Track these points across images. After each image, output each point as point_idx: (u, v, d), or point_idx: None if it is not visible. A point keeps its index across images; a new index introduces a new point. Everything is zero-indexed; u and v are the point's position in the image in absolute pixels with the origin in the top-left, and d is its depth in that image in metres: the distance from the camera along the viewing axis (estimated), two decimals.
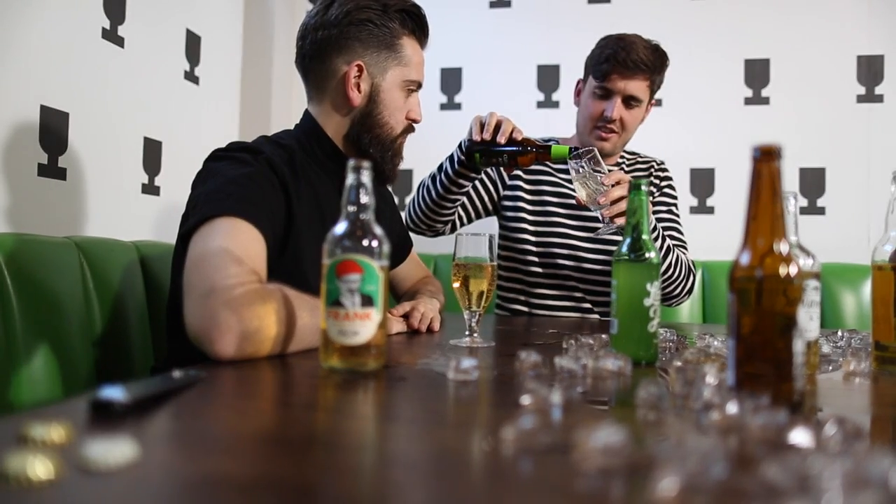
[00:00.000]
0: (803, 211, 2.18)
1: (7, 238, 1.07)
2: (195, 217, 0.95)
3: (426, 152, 2.39)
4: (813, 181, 2.19)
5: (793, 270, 0.60)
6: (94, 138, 1.50)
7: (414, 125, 1.26)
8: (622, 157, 1.77)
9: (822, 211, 2.18)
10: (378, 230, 0.81)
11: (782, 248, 0.61)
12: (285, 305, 0.88)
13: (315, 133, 1.21)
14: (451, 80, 2.35)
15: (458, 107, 2.34)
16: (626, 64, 1.56)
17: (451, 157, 1.46)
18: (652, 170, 1.76)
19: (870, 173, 2.15)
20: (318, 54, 1.20)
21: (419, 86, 1.25)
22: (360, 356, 0.78)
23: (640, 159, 1.79)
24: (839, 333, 1.22)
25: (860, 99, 2.16)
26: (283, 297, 0.89)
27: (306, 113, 1.24)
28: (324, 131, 1.21)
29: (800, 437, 0.48)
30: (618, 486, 0.41)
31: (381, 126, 1.20)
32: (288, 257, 1.07)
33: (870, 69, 2.16)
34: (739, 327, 0.61)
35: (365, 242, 0.79)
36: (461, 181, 1.46)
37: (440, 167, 1.50)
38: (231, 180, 1.00)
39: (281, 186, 1.06)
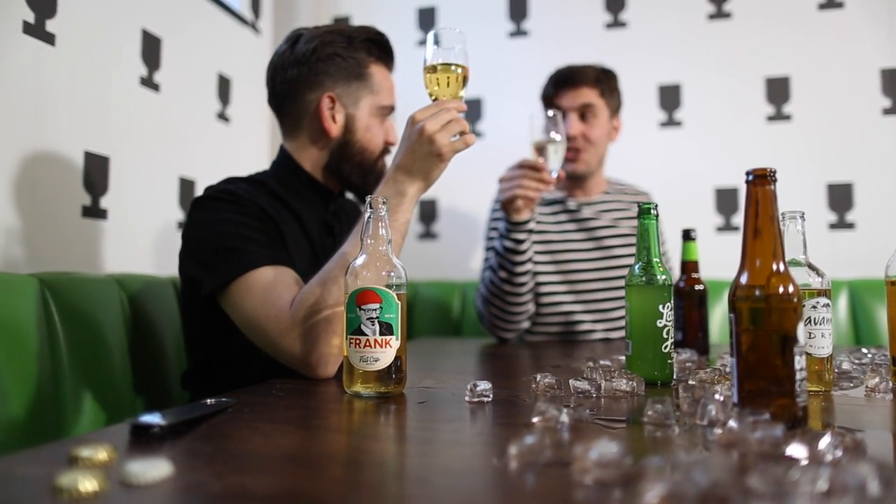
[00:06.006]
0: (832, 227, 2.16)
1: (55, 277, 1.14)
2: (220, 277, 1.03)
3: (450, 180, 2.44)
4: (841, 196, 2.18)
5: (789, 289, 0.62)
6: (132, 179, 1.59)
7: (390, 148, 1.30)
8: (608, 191, 1.80)
9: (851, 226, 2.16)
10: (395, 260, 0.86)
11: (778, 267, 0.63)
12: (337, 316, 0.96)
13: (292, 168, 1.26)
14: (472, 110, 2.41)
15: (480, 136, 2.40)
16: (569, 79, 1.67)
17: (500, 235, 1.53)
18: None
19: None
20: (289, 92, 1.24)
21: (392, 109, 1.30)
22: (382, 381, 0.83)
23: (626, 191, 1.83)
24: (863, 350, 1.22)
25: (886, 112, 2.15)
26: (335, 310, 0.97)
27: (282, 150, 1.29)
28: (300, 166, 1.26)
29: (793, 450, 0.50)
30: (610, 497, 0.43)
31: (361, 153, 1.25)
32: None
33: (894, 82, 2.14)
34: (739, 345, 0.63)
35: (383, 273, 0.83)
36: (519, 236, 1.51)
37: (495, 252, 1.56)
38: (231, 233, 1.07)
39: (266, 215, 1.12)
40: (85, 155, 1.43)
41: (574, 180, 1.75)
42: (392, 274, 0.84)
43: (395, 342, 0.83)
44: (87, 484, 0.42)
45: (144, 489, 0.45)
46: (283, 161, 1.27)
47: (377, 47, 1.27)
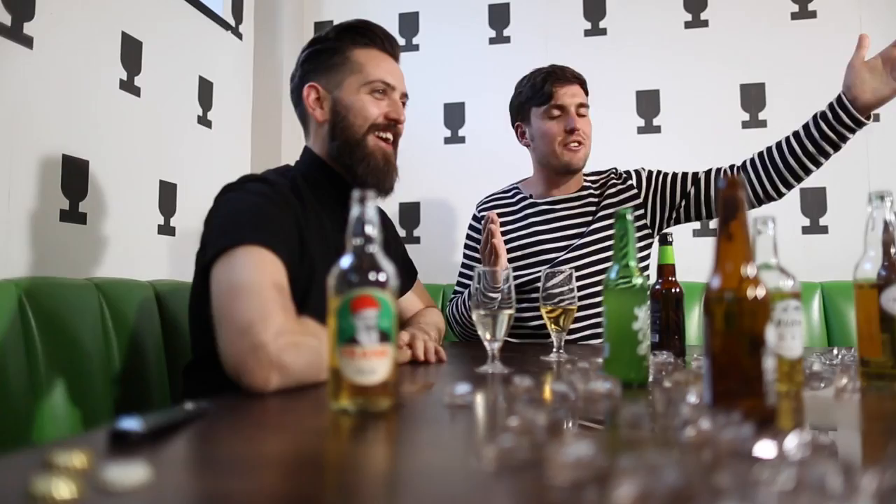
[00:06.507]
0: (805, 230, 2.20)
1: (31, 282, 1.13)
2: (213, 248, 0.99)
3: (432, 184, 2.45)
4: (814, 200, 2.22)
5: (759, 293, 0.64)
6: (112, 183, 1.57)
7: (397, 124, 1.27)
8: (585, 185, 1.81)
9: (824, 230, 2.20)
10: (388, 262, 0.79)
11: (748, 271, 0.65)
12: (315, 339, 0.91)
13: (315, 161, 1.29)
14: (455, 115, 2.43)
15: (461, 140, 2.41)
16: (565, 78, 1.71)
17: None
18: (611, 178, 1.83)
19: (870, 191, 2.17)
20: (294, 99, 1.33)
21: (387, 85, 1.26)
22: (375, 394, 0.74)
23: (600, 179, 1.83)
24: (834, 351, 1.25)
25: None
26: (312, 331, 0.93)
27: (305, 148, 1.33)
28: (321, 158, 1.29)
29: (762, 448, 0.52)
30: (583, 497, 0.44)
31: (348, 129, 1.25)
32: (301, 282, 1.08)
33: None
34: (712, 347, 0.65)
35: (381, 276, 0.75)
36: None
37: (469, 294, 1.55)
38: (243, 210, 1.06)
39: (291, 210, 1.11)
40: (63, 158, 1.42)
41: (564, 177, 1.76)
42: (389, 276, 0.77)
43: (391, 351, 0.75)
44: (64, 490, 0.42)
45: (122, 495, 0.44)
46: (307, 156, 1.32)
47: (358, 34, 1.28)
